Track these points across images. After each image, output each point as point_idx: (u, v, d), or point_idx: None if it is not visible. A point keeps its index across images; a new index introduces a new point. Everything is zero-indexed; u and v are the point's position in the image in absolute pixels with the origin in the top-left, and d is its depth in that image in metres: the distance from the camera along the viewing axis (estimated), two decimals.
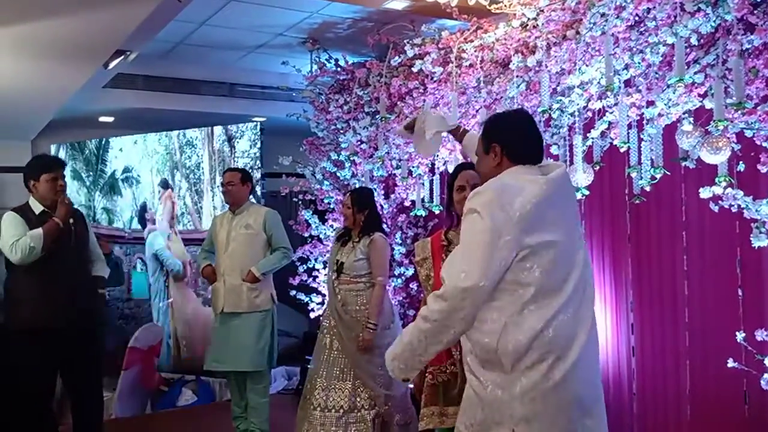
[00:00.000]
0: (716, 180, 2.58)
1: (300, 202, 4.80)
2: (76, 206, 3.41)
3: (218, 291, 3.82)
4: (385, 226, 4.54)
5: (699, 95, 2.62)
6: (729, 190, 2.57)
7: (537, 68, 3.13)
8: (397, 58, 3.93)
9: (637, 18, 2.69)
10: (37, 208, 3.22)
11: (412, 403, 3.43)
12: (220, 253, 3.89)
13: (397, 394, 3.41)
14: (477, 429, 1.86)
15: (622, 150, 2.89)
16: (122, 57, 4.09)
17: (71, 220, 3.26)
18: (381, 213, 4.50)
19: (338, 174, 4.63)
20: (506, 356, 1.79)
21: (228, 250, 3.84)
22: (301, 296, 4.81)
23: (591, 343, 1.87)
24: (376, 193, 4.46)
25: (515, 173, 1.90)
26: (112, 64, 4.21)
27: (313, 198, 4.83)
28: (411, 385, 2.72)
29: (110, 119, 6.30)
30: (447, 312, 1.78)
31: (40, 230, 3.10)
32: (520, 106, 3.22)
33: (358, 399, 3.39)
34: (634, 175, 2.89)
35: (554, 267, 1.81)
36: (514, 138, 1.96)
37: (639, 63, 2.74)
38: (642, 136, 2.85)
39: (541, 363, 1.78)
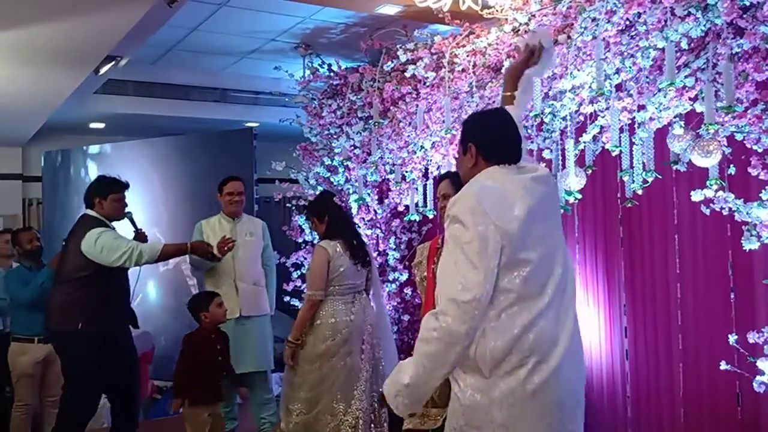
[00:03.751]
0: (707, 183, 2.59)
1: (293, 208, 4.79)
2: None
3: (229, 296, 3.79)
4: (378, 231, 4.55)
5: (690, 99, 2.64)
6: (720, 193, 2.58)
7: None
8: (389, 63, 3.93)
9: (627, 22, 2.71)
10: (107, 222, 3.46)
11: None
12: (226, 260, 3.85)
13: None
14: None
15: (614, 154, 2.89)
16: (113, 63, 4.08)
17: None
18: (373, 217, 4.50)
19: (332, 179, 4.62)
20: (484, 362, 1.74)
21: (239, 256, 3.88)
22: (296, 302, 4.79)
23: (574, 345, 1.82)
24: (369, 198, 4.46)
25: (491, 174, 1.86)
26: (102, 70, 4.19)
27: (307, 203, 4.82)
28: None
29: (101, 125, 6.28)
30: (448, 329, 1.68)
31: (160, 246, 3.47)
32: None
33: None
34: (626, 178, 2.90)
35: (535, 274, 1.78)
36: (488, 137, 1.92)
37: (630, 67, 2.75)
38: (633, 140, 2.87)
39: (520, 368, 1.73)
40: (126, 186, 3.59)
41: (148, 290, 5.59)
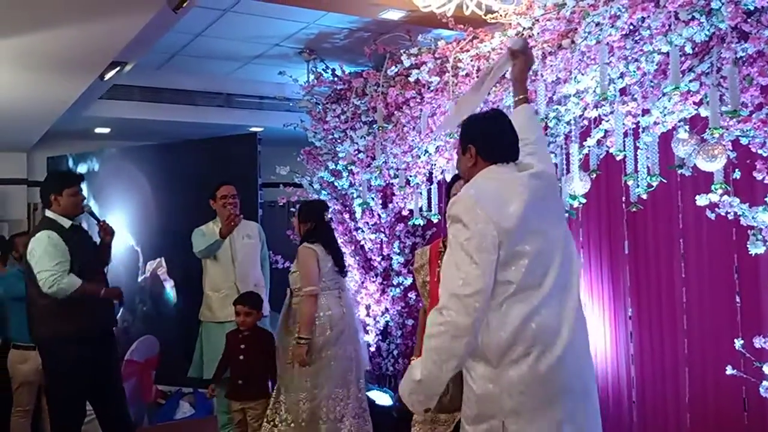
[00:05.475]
0: (712, 187, 2.59)
1: None
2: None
3: (231, 299, 3.79)
4: (383, 235, 4.56)
5: (694, 103, 2.63)
6: (725, 197, 2.58)
7: (533, 77, 3.14)
8: (393, 67, 3.94)
9: (631, 27, 2.71)
10: (65, 222, 3.35)
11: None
12: (225, 263, 3.93)
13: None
14: (474, 421, 1.90)
15: (618, 158, 2.90)
16: (118, 68, 4.09)
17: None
18: (379, 222, 4.50)
19: (336, 184, 4.63)
20: (491, 351, 1.83)
21: (238, 259, 3.96)
22: None
23: (578, 334, 1.88)
24: (373, 203, 4.46)
25: (489, 173, 1.95)
26: (108, 76, 4.21)
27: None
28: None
29: (106, 130, 6.30)
30: (453, 323, 1.75)
31: (79, 283, 3.23)
32: None
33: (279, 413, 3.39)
34: (630, 183, 2.90)
35: (533, 266, 1.85)
36: (487, 137, 2.00)
37: (634, 71, 2.75)
38: (638, 144, 2.86)
39: (526, 357, 1.80)
40: (81, 178, 3.51)
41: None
